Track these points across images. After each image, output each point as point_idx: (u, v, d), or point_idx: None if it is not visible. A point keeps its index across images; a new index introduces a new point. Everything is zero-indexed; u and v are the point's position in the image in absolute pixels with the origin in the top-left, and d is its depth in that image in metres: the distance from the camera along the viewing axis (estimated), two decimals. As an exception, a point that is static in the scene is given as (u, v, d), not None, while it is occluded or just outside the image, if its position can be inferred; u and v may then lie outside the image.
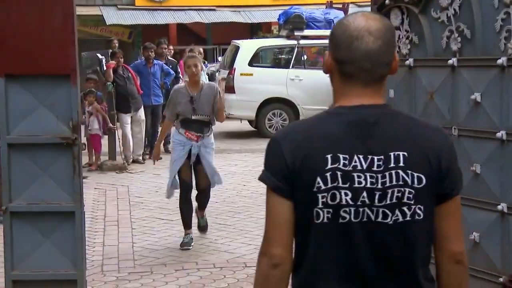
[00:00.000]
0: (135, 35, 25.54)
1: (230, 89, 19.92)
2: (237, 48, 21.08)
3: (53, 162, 5.71)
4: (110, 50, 18.13)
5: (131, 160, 15.90)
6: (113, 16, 26.07)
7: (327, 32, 15.85)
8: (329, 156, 2.61)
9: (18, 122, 5.81)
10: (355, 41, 2.72)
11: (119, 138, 15.95)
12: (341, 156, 2.60)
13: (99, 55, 17.75)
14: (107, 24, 26.19)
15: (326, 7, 24.30)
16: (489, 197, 5.82)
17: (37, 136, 5.74)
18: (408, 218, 2.60)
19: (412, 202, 2.59)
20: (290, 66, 20.84)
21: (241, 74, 20.52)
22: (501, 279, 5.77)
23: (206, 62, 22.82)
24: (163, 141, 18.36)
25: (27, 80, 5.70)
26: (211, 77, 20.26)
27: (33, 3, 5.82)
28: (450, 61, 6.01)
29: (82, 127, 15.67)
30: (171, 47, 21.63)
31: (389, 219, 2.60)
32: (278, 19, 23.00)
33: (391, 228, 2.62)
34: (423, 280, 2.72)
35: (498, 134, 5.63)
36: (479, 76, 5.93)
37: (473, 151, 5.96)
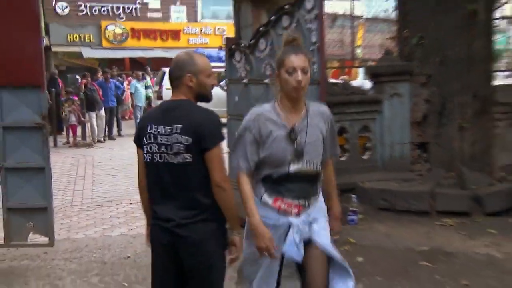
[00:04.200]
0: (103, 64, 25.11)
1: (160, 97, 19.61)
2: (164, 73, 20.58)
3: (30, 138, 5.60)
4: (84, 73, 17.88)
5: (96, 140, 15.38)
6: (88, 52, 25.30)
7: (219, 64, 15.45)
8: (148, 125, 2.86)
9: (9, 114, 5.59)
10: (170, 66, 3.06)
11: (88, 127, 15.59)
12: (153, 126, 2.86)
13: (77, 76, 17.84)
14: (84, 57, 25.29)
15: (218, 49, 24.39)
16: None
17: (20, 121, 5.58)
18: (182, 161, 2.80)
19: (184, 152, 2.78)
20: None
21: (167, 89, 19.78)
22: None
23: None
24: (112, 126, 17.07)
25: (13, 88, 5.51)
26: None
27: (11, 40, 5.41)
28: (266, 81, 6.10)
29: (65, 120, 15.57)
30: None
31: (175, 161, 2.81)
32: None
33: (176, 166, 2.82)
34: (201, 196, 2.83)
35: None
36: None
37: None
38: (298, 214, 2.81)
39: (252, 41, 6.28)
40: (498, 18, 19.94)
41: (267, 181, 2.87)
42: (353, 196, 6.65)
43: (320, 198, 2.95)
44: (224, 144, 2.98)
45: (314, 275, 2.77)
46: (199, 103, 3.06)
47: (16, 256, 5.77)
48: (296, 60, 2.70)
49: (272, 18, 5.97)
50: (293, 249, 2.73)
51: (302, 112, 2.84)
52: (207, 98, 3.06)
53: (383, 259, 5.46)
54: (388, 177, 7.42)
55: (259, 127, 2.80)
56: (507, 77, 16.02)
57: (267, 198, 2.86)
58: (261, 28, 6.16)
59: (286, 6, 5.75)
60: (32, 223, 5.69)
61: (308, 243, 2.79)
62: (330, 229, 2.85)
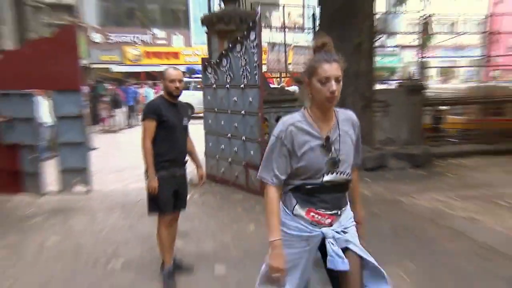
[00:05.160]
0: (125, 76, 24.82)
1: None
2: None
3: (75, 123, 5.53)
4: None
5: (120, 128, 14.96)
6: (115, 68, 24.79)
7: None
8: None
9: (60, 108, 5.51)
10: None
11: (115, 119, 15.26)
12: None
13: (106, 84, 17.54)
14: (113, 71, 25.08)
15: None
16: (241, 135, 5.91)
17: (68, 113, 5.46)
18: None
19: None
20: (190, 89, 17.84)
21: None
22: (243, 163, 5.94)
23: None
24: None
25: (62, 92, 5.48)
26: None
27: (62, 64, 5.34)
28: (226, 86, 6.15)
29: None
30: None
31: None
32: (186, 69, 22.28)
33: None
34: None
35: (242, 112, 5.86)
36: (236, 92, 5.98)
37: (239, 121, 6.00)
38: (331, 224, 1.89)
39: (218, 60, 6.33)
40: (391, 47, 20.22)
41: (299, 192, 1.89)
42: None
43: (348, 205, 2.03)
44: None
45: (352, 283, 1.87)
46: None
47: (63, 202, 5.85)
48: (330, 69, 1.77)
49: (230, 45, 6.03)
50: (337, 260, 1.83)
51: (333, 120, 1.90)
52: (172, 95, 3.21)
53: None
54: (307, 148, 7.56)
55: (292, 137, 1.84)
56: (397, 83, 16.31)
57: (300, 210, 1.89)
58: (223, 52, 6.23)
59: (238, 38, 5.83)
60: (77, 179, 5.79)
61: (344, 251, 1.89)
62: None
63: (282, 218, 1.89)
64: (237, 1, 7.02)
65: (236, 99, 6.04)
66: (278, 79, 19.93)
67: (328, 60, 1.77)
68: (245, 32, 5.67)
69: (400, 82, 8.91)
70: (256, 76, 5.59)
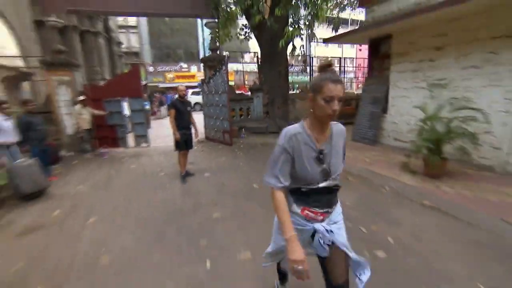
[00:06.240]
0: (166, 89, 24.45)
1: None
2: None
3: (140, 114, 5.69)
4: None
5: (163, 117, 12.71)
6: (161, 85, 23.96)
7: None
8: None
9: (132, 106, 5.65)
10: None
11: (160, 111, 14.03)
12: None
13: (155, 94, 16.78)
14: (160, 87, 24.37)
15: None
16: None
17: (136, 109, 5.67)
18: None
19: None
20: (200, 95, 13.40)
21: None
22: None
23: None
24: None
25: (133, 98, 5.59)
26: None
27: (132, 83, 5.45)
28: (212, 93, 5.96)
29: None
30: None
31: None
32: (198, 85, 20.98)
33: None
34: None
35: (220, 105, 5.72)
36: (217, 96, 5.82)
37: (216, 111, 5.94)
38: (322, 220, 1.40)
39: (208, 80, 6.23)
40: (301, 71, 19.74)
41: (296, 193, 1.38)
42: (243, 129, 6.68)
43: (338, 202, 1.46)
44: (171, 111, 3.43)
45: (337, 266, 1.41)
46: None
47: (137, 151, 5.84)
48: (335, 89, 1.24)
49: (213, 72, 5.98)
50: (321, 249, 1.41)
51: (328, 133, 1.36)
52: (181, 97, 3.61)
53: (249, 146, 5.66)
54: (255, 123, 7.13)
55: (293, 147, 1.33)
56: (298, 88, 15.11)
57: (296, 208, 1.40)
58: (210, 76, 6.14)
59: (217, 69, 5.80)
60: (143, 140, 6.03)
61: (330, 244, 1.42)
62: None
63: None
64: (218, 50, 7.27)
65: (217, 99, 6.07)
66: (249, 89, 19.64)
67: (334, 80, 1.25)
68: (220, 66, 5.78)
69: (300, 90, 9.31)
70: (226, 88, 5.74)
